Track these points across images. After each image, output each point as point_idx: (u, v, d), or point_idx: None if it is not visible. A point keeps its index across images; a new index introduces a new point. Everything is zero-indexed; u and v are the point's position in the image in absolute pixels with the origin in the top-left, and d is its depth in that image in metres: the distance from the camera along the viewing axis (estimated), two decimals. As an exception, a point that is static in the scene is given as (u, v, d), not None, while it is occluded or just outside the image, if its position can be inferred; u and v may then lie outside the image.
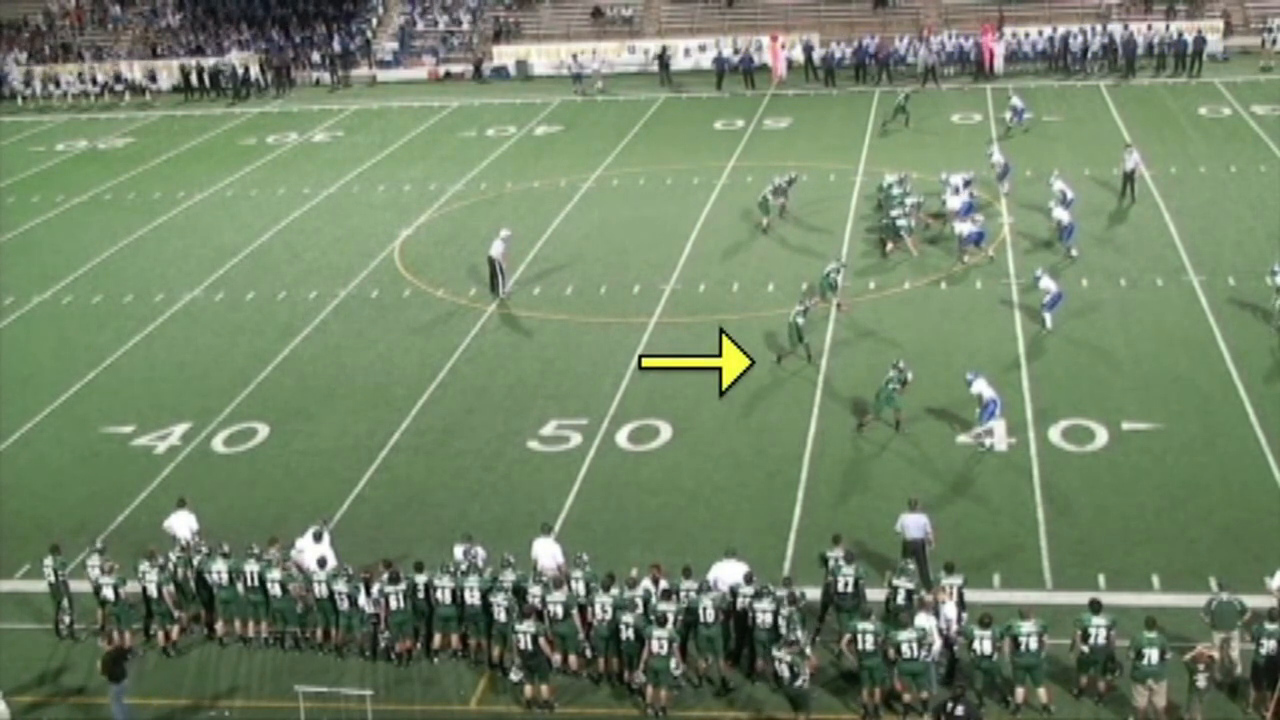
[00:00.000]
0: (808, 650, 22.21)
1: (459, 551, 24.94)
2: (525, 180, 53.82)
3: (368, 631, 24.47)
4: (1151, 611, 22.26)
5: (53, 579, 25.51)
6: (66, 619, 25.64)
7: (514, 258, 42.34)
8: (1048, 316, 36.26)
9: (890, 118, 57.87)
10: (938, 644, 22.32)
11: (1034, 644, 21.74)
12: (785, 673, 21.89)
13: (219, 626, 25.27)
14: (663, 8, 78.10)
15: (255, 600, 24.96)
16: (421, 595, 24.28)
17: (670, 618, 22.77)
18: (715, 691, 23.15)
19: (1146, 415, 31.26)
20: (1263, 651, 21.41)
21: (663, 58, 71.25)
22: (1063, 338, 35.65)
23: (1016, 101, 56.18)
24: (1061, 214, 41.63)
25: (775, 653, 22.04)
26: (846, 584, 23.64)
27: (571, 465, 30.87)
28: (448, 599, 24.03)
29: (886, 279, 40.00)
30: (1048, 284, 36.55)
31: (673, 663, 22.62)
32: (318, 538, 25.73)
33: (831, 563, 24.00)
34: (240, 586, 24.91)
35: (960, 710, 20.62)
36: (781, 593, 23.11)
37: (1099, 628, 21.82)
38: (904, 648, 21.81)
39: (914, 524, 25.18)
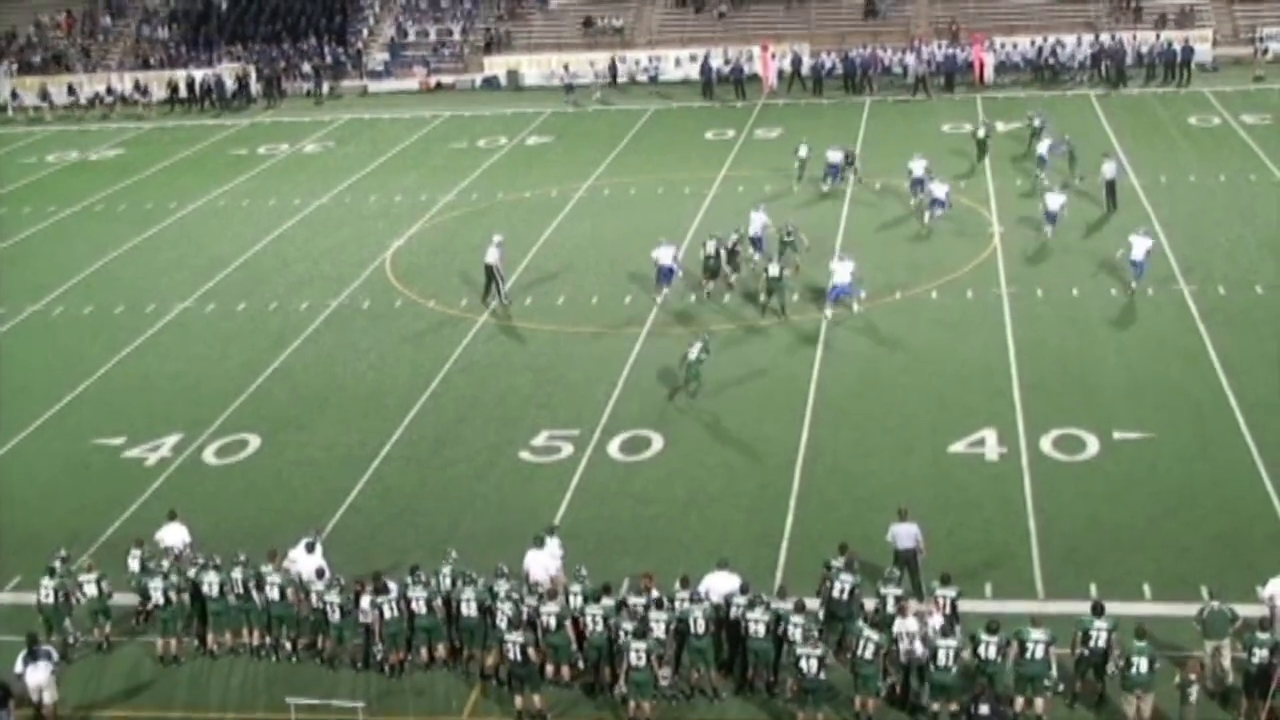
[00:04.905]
0: (830, 652, 22.47)
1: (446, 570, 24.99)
2: (517, 190, 53.85)
3: (359, 643, 24.45)
4: (1143, 620, 22.25)
5: (50, 600, 25.37)
6: (71, 638, 25.52)
7: (506, 268, 42.28)
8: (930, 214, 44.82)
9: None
10: (920, 649, 22.32)
11: (1040, 652, 21.73)
12: (814, 668, 21.92)
13: (210, 638, 25.25)
14: (654, 18, 78.22)
15: (245, 608, 24.95)
16: (420, 607, 24.25)
17: (654, 628, 22.82)
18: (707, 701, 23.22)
19: (1137, 424, 31.30)
20: (1254, 660, 21.42)
21: (705, 66, 70.27)
22: (1054, 346, 35.73)
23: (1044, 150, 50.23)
24: (662, 254, 40.83)
25: (800, 650, 22.08)
26: (843, 590, 23.64)
27: (563, 476, 30.85)
28: (440, 609, 24.04)
29: (878, 288, 39.98)
30: (936, 189, 45.39)
31: (663, 673, 22.66)
32: (310, 548, 25.72)
33: (833, 569, 24.03)
34: (231, 597, 24.90)
35: (984, 709, 20.68)
36: (787, 604, 23.13)
37: (1100, 630, 21.88)
38: (940, 655, 21.78)
39: (905, 533, 25.19)
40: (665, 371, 35.77)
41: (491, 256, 40.82)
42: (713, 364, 35.82)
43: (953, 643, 21.70)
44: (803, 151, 51.06)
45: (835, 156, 50.61)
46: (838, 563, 24.13)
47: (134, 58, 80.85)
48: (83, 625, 25.61)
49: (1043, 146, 50.15)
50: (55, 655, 23.63)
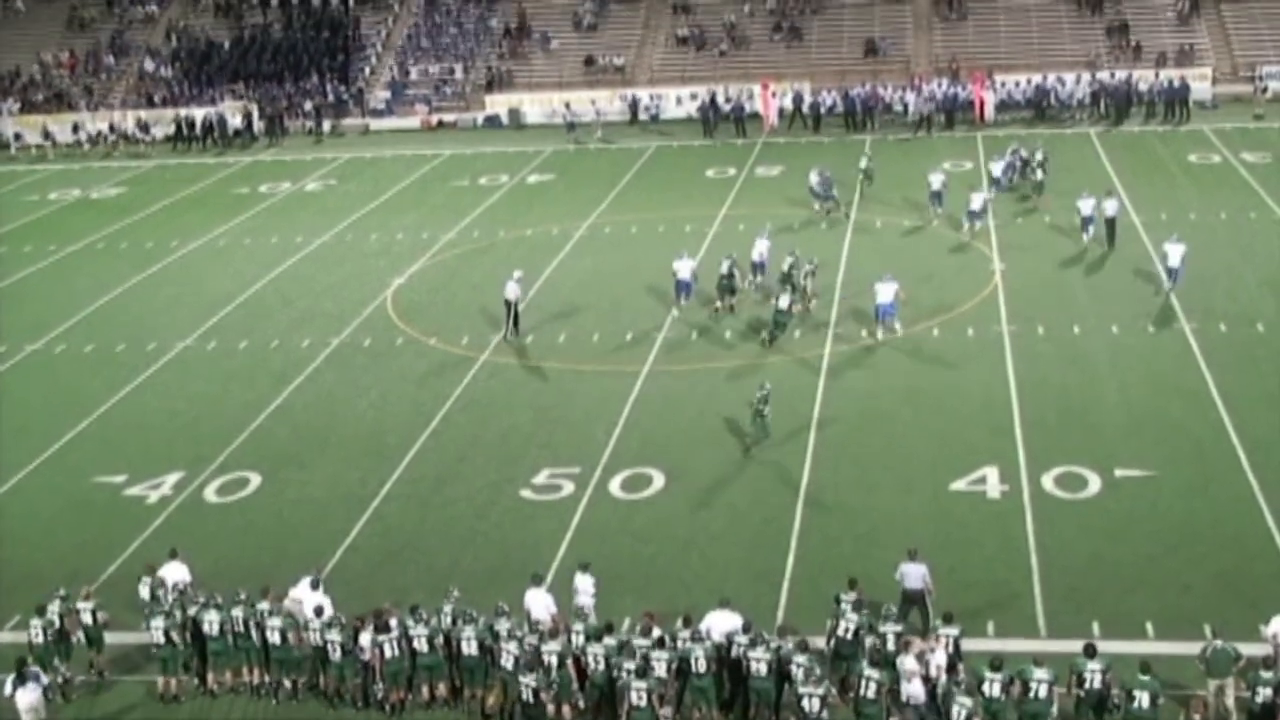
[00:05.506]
0: (833, 690, 22.36)
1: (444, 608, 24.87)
2: (518, 228, 53.93)
3: (359, 682, 24.35)
4: (1146, 659, 22.16)
5: (40, 639, 25.29)
6: (60, 678, 25.43)
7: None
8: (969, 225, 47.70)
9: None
10: (920, 690, 22.24)
11: (1044, 691, 21.64)
12: (815, 707, 21.85)
13: (210, 677, 25.15)
14: (654, 56, 78.51)
15: (245, 647, 24.87)
16: (421, 645, 24.17)
17: (656, 667, 22.73)
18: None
19: (1139, 462, 31.26)
20: (1258, 699, 21.36)
21: (713, 102, 70.60)
22: (1055, 384, 35.72)
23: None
24: (680, 268, 42.59)
25: (802, 689, 22.01)
26: (848, 629, 23.58)
27: (564, 514, 30.80)
28: (441, 648, 23.98)
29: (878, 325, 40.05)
30: (974, 200, 47.97)
31: (665, 712, 22.56)
32: (315, 585, 25.67)
33: (842, 606, 23.98)
34: (230, 636, 24.82)
35: None
36: (789, 643, 23.05)
37: (1094, 672, 21.79)
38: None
39: (913, 573, 25.12)
40: (666, 409, 35.82)
41: (511, 292, 40.96)
42: (715, 401, 35.94)
43: (968, 703, 21.52)
44: (863, 162, 54.83)
45: (814, 178, 52.62)
46: (848, 597, 24.11)
47: (136, 96, 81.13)
48: (78, 663, 25.51)
49: (997, 168, 53.39)
50: (44, 677, 23.71)
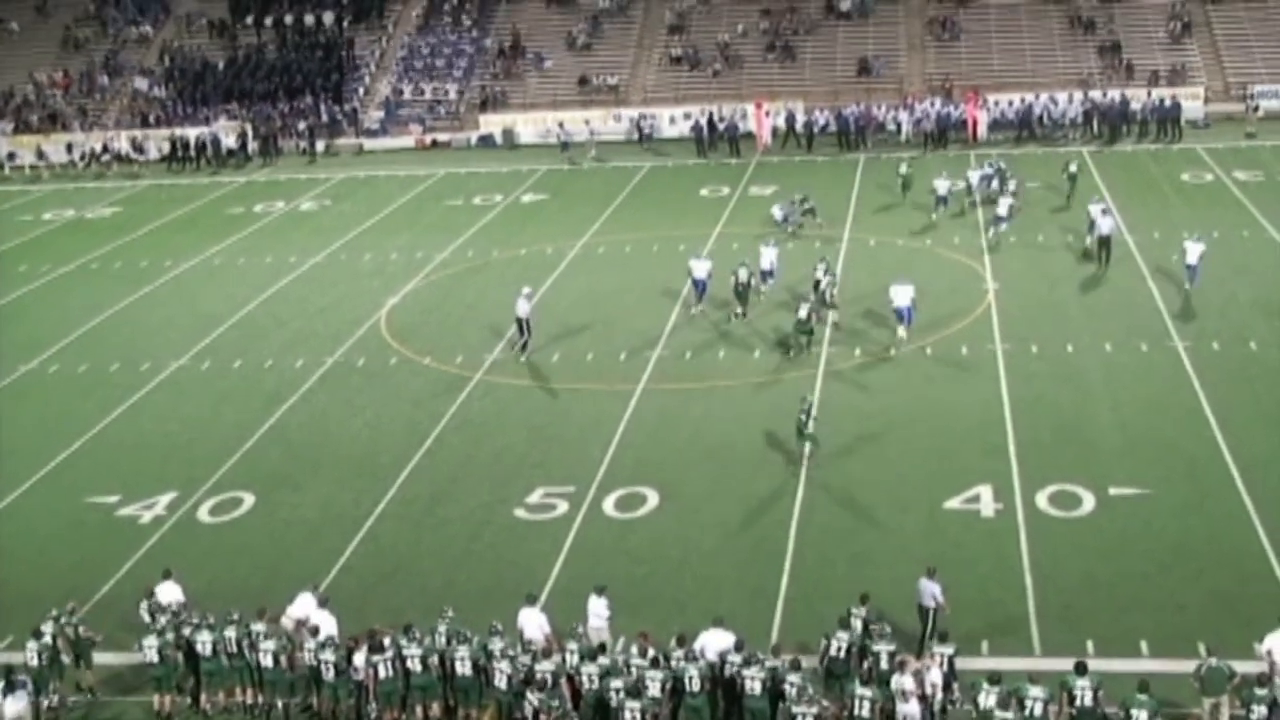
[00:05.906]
0: (827, 707, 22.30)
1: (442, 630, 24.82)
2: (512, 248, 53.97)
3: (353, 703, 24.28)
4: (1140, 677, 22.11)
5: (35, 662, 25.22)
6: (49, 703, 25.33)
7: (501, 325, 42.41)
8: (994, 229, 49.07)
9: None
10: (916, 710, 22.21)
11: (1038, 710, 21.62)
12: None
13: (203, 697, 25.08)
14: (648, 76, 78.63)
15: (238, 667, 24.81)
16: (415, 665, 24.13)
17: (650, 687, 22.67)
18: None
19: (1133, 480, 31.26)
20: (1253, 717, 21.34)
21: (711, 122, 70.77)
22: (1048, 403, 35.74)
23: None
24: (697, 267, 44.07)
25: (796, 708, 21.95)
26: (839, 649, 23.55)
27: (558, 533, 30.76)
28: (435, 668, 23.94)
29: (873, 344, 40.07)
30: (1001, 205, 49.45)
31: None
32: (323, 604, 25.64)
33: (853, 619, 23.96)
34: (224, 657, 24.76)
35: None
36: (783, 661, 23.02)
37: (1084, 689, 21.79)
38: None
39: (926, 591, 25.15)
40: (660, 428, 35.81)
41: (522, 309, 41.11)
42: (709, 420, 35.94)
43: (1009, 717, 21.47)
44: (903, 169, 56.72)
45: (776, 212, 53.14)
46: (859, 611, 24.16)
47: (131, 116, 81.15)
48: (69, 682, 25.40)
49: (974, 176, 55.18)
50: (30, 685, 23.74)
